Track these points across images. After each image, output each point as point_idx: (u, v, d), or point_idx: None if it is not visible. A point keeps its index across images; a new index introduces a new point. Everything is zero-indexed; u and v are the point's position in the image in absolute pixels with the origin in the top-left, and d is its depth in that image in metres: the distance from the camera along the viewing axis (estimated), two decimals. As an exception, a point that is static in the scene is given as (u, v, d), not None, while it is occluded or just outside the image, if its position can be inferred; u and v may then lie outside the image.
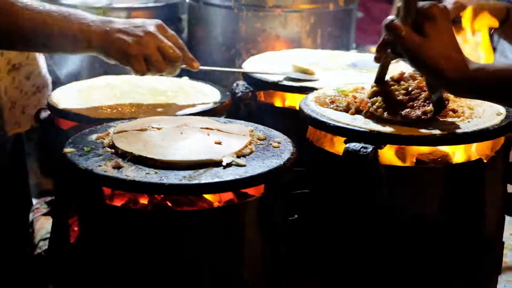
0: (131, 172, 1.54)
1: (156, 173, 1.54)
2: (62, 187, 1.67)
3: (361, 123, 1.71)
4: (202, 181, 1.50)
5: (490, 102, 1.72)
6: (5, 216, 2.51)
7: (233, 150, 1.64)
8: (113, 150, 1.66)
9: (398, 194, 1.66)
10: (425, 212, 1.70)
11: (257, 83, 2.23)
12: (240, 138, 1.72)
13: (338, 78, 2.18)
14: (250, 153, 1.66)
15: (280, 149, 1.69)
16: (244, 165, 1.59)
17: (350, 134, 1.68)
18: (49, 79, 2.54)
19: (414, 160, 1.77)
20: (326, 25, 2.73)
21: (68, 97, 2.12)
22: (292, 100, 2.25)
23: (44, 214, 2.51)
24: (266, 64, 2.34)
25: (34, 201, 2.68)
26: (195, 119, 1.84)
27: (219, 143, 1.67)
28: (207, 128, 1.76)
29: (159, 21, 2.04)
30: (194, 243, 1.55)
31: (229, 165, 1.58)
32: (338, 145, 1.82)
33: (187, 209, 1.63)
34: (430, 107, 1.71)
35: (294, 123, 1.91)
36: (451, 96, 1.77)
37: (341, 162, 1.67)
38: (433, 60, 1.56)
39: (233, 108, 2.19)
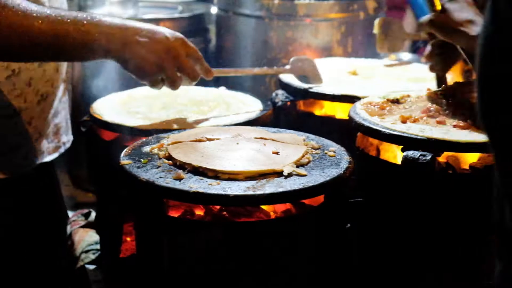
0: (193, 183, 1.53)
1: (218, 184, 1.53)
2: (119, 198, 1.65)
3: (417, 130, 1.70)
4: (267, 191, 1.49)
5: None
6: (43, 232, 2.49)
7: (291, 159, 1.63)
8: (170, 162, 1.65)
9: (456, 201, 1.65)
10: (481, 219, 1.69)
11: (296, 92, 2.22)
12: (296, 147, 1.71)
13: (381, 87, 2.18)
14: (308, 162, 1.65)
15: (336, 158, 1.68)
16: (305, 175, 1.58)
17: (407, 142, 1.67)
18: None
19: (467, 167, 1.76)
20: (356, 33, 2.73)
21: (111, 109, 2.11)
22: (331, 109, 2.25)
23: (83, 227, 2.49)
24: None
25: (70, 213, 2.66)
26: (248, 129, 1.84)
27: (277, 153, 1.66)
28: (261, 138, 1.75)
29: (180, 37, 1.96)
30: (261, 253, 1.54)
31: (290, 175, 1.57)
32: (384, 153, 1.82)
33: (249, 219, 1.62)
34: None
35: (336, 132, 1.91)
36: None
37: (400, 170, 1.65)
38: (455, 26, 1.74)
39: (274, 117, 2.19)
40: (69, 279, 2.35)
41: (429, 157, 1.62)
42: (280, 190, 1.50)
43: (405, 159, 1.64)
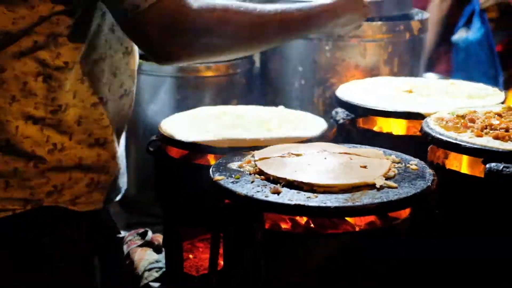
0: (291, 196, 1.59)
1: (316, 197, 1.59)
2: (215, 214, 1.71)
3: (497, 144, 1.76)
4: (366, 202, 1.55)
5: None
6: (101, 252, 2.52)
7: (380, 172, 1.69)
8: (263, 177, 1.70)
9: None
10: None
11: (356, 109, 2.29)
12: (381, 161, 1.77)
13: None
14: (395, 175, 1.71)
15: (420, 171, 1.75)
16: (396, 187, 1.64)
17: (489, 155, 1.73)
18: None
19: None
20: (402, 53, 2.80)
21: (180, 128, 2.17)
22: (388, 126, 2.32)
23: (140, 246, 2.54)
24: (359, 91, 2.40)
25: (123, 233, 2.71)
26: (328, 145, 1.90)
27: (365, 167, 1.73)
28: (345, 153, 1.81)
29: None
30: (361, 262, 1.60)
31: (381, 187, 1.63)
32: (451, 167, 1.89)
33: (336, 231, 1.68)
34: None
35: (395, 147, 1.97)
36: None
37: (482, 183, 1.72)
38: None
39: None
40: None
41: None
42: (379, 200, 1.56)
43: (489, 171, 1.70)
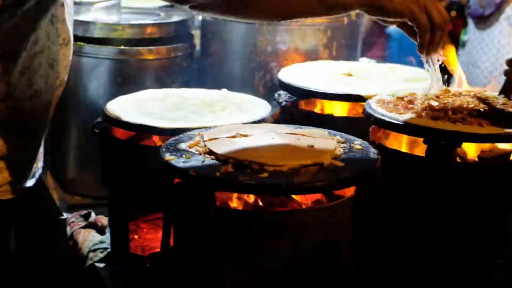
0: (243, 175, 1.62)
1: (266, 175, 1.63)
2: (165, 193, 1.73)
3: (438, 124, 1.83)
4: (315, 180, 1.60)
5: None
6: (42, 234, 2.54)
7: (327, 152, 1.74)
8: (213, 157, 1.73)
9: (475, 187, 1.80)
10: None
11: (298, 92, 2.34)
12: (327, 141, 1.82)
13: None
14: (341, 155, 1.77)
15: (364, 151, 1.80)
16: (343, 165, 1.69)
17: (430, 134, 1.80)
18: None
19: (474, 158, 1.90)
20: (340, 37, 2.87)
21: (125, 110, 2.18)
22: (330, 108, 2.37)
23: (84, 227, 2.55)
24: (301, 75, 2.45)
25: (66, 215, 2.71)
26: (274, 126, 1.94)
27: (312, 147, 1.77)
28: (292, 133, 1.86)
29: None
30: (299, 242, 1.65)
31: (329, 166, 1.69)
32: (395, 145, 1.95)
33: (285, 209, 1.73)
34: None
35: (336, 129, 2.02)
36: None
37: (424, 161, 1.79)
38: None
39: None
40: (79, 277, 2.40)
41: (452, 148, 1.76)
42: (330, 178, 1.61)
43: (430, 150, 1.77)
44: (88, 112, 2.83)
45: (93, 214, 2.59)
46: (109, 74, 2.85)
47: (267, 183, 1.60)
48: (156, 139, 2.17)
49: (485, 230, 1.86)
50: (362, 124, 2.20)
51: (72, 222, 2.61)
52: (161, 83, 2.81)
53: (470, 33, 4.51)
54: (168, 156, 1.74)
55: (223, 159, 1.71)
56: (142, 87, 2.64)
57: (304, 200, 1.78)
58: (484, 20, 4.33)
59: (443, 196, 1.80)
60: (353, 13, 2.85)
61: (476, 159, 1.87)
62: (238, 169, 1.66)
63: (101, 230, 2.53)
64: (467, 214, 1.83)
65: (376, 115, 1.93)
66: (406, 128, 1.84)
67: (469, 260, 1.87)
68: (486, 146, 1.89)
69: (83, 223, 2.57)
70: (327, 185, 1.61)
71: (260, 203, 1.77)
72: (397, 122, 1.87)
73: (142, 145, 2.12)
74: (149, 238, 2.34)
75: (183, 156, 1.74)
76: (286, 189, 1.60)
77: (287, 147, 1.77)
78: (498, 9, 4.26)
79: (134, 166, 2.11)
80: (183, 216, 1.72)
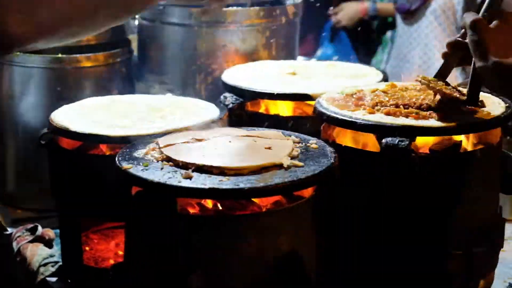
0: (204, 181, 1.61)
1: (228, 179, 1.62)
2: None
3: (390, 119, 1.85)
4: (278, 181, 1.60)
5: None
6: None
7: (285, 153, 1.74)
8: (171, 163, 1.71)
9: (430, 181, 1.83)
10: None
11: (244, 94, 2.33)
12: (283, 142, 1.82)
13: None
14: (298, 155, 1.77)
15: (320, 150, 1.81)
16: (302, 165, 1.69)
17: (383, 130, 1.82)
18: None
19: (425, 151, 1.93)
20: (279, 37, 2.87)
21: (72, 119, 2.14)
22: (275, 108, 2.38)
23: (31, 241, 2.48)
24: (245, 76, 2.45)
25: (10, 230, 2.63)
26: (228, 129, 1.93)
27: (269, 148, 1.77)
28: (247, 136, 1.85)
29: None
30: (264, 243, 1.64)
31: (289, 166, 1.68)
32: (347, 142, 1.97)
33: (245, 212, 1.72)
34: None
35: (284, 128, 2.03)
36: None
37: (379, 156, 1.80)
38: None
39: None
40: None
41: (407, 142, 1.78)
42: (289, 179, 1.61)
43: (385, 145, 1.79)
44: (27, 123, 2.76)
45: (39, 227, 2.53)
46: (46, 83, 2.78)
47: (228, 187, 1.58)
48: (104, 148, 2.13)
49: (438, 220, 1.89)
50: (309, 122, 2.22)
51: (18, 236, 2.53)
52: (101, 91, 2.75)
53: (399, 27, 4.58)
54: (125, 165, 1.71)
55: (182, 165, 1.69)
56: (82, 95, 2.60)
57: (262, 202, 1.77)
58: (411, 15, 4.40)
59: (400, 191, 1.82)
60: (290, 11, 2.88)
61: (428, 152, 1.89)
62: (199, 174, 1.64)
63: (49, 243, 2.47)
64: (423, 206, 1.86)
65: (329, 113, 1.93)
66: (359, 125, 1.85)
67: (425, 251, 1.89)
68: (437, 139, 1.92)
69: (30, 237, 2.50)
70: (289, 185, 1.61)
71: (220, 207, 1.76)
72: (350, 119, 1.88)
73: (93, 155, 2.08)
74: (101, 249, 2.29)
75: (141, 164, 1.72)
76: (253, 192, 1.59)
77: (245, 149, 1.76)
78: (424, 3, 4.34)
79: (85, 176, 2.06)
80: (145, 225, 1.69)
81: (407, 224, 1.87)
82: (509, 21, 1.67)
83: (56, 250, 2.41)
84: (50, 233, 2.50)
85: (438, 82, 1.94)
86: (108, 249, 2.26)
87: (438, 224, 1.88)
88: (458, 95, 1.88)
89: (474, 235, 1.91)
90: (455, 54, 1.86)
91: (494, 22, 1.67)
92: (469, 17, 1.66)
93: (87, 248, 2.30)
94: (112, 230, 2.32)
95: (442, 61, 1.93)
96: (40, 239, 2.49)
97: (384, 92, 2.06)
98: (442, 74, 1.93)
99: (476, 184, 1.89)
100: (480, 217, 1.93)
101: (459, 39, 1.83)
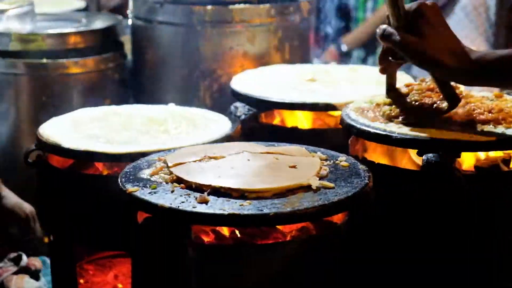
0: (222, 205, 1.57)
1: (250, 203, 1.58)
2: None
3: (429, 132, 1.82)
4: (307, 206, 1.56)
5: (493, 86, 1.94)
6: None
7: (312, 172, 1.71)
8: (183, 185, 1.68)
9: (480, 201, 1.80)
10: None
11: (258, 103, 2.30)
12: (309, 159, 1.79)
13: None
14: (327, 174, 1.73)
15: (351, 168, 1.78)
16: (332, 187, 1.66)
17: (424, 145, 1.79)
18: None
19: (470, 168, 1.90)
20: (293, 38, 2.84)
21: (63, 135, 2.10)
22: (292, 120, 2.35)
23: (15, 273, 2.45)
24: (257, 83, 2.42)
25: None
26: (245, 144, 1.90)
27: (294, 167, 1.74)
28: (268, 153, 1.82)
29: None
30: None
31: (318, 188, 1.65)
32: (376, 158, 1.94)
33: (267, 242, 1.69)
34: (444, 104, 1.87)
35: (304, 142, 2.00)
36: None
37: (419, 175, 1.77)
38: (434, 56, 1.77)
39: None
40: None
41: (451, 159, 1.75)
42: (318, 203, 1.58)
43: (426, 163, 1.76)
44: (8, 138, 2.72)
45: (24, 257, 2.49)
46: (29, 92, 2.75)
47: (251, 213, 1.54)
48: (100, 166, 2.10)
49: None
50: (331, 136, 2.19)
51: (0, 268, 2.50)
52: (92, 101, 2.72)
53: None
54: (130, 187, 1.67)
55: (195, 187, 1.66)
56: (70, 106, 2.57)
57: (286, 229, 1.74)
58: (439, 11, 4.35)
59: (445, 214, 1.79)
60: (304, 8, 2.85)
61: (473, 170, 1.87)
62: (215, 197, 1.61)
63: (35, 275, 2.44)
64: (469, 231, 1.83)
65: (359, 126, 1.90)
66: (397, 139, 1.82)
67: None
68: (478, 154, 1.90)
69: (14, 268, 2.47)
70: (322, 210, 1.57)
71: (238, 235, 1.72)
72: (385, 133, 1.84)
73: (89, 175, 2.05)
74: (97, 281, 2.26)
75: (148, 186, 1.68)
76: (280, 218, 1.55)
77: (267, 169, 1.73)
78: (452, -2, 4.30)
79: (79, 198, 2.03)
80: (155, 256, 1.65)
81: (450, 254, 1.84)
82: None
83: (43, 282, 2.39)
84: (37, 262, 2.47)
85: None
86: (106, 282, 2.23)
87: (486, 253, 1.85)
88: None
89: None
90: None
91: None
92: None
93: (81, 281, 2.27)
94: (110, 260, 2.29)
95: None
96: (25, 270, 2.46)
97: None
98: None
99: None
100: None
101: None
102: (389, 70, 1.99)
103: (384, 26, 1.85)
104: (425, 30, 1.79)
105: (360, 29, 4.96)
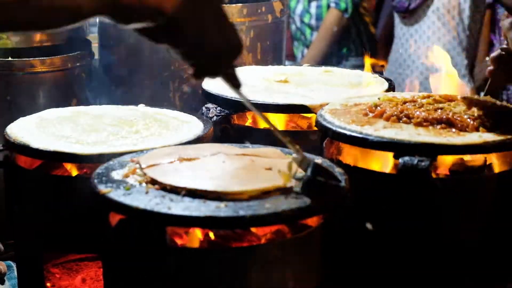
0: (198, 207, 1.60)
1: (226, 206, 1.60)
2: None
3: (407, 135, 1.86)
4: (285, 208, 1.59)
5: None
6: None
7: (289, 174, 1.73)
8: (157, 186, 1.69)
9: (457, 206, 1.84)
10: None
11: (230, 105, 2.32)
12: (285, 162, 1.81)
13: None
14: (303, 176, 1.76)
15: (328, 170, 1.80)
16: (309, 189, 1.69)
17: (400, 148, 1.82)
18: None
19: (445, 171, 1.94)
20: (265, 38, 2.87)
21: (32, 134, 2.11)
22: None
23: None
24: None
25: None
26: (220, 146, 1.92)
27: (270, 169, 1.76)
28: (243, 154, 1.84)
29: None
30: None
31: (294, 190, 1.68)
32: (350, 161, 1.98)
33: (241, 244, 1.71)
34: None
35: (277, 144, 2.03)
36: None
37: (396, 178, 1.81)
38: None
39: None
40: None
41: (427, 163, 1.79)
42: (295, 205, 1.61)
43: (403, 166, 1.79)
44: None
45: (-15, 260, 2.50)
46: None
47: (228, 215, 1.57)
48: (69, 167, 2.11)
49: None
50: (304, 137, 2.22)
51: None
52: (58, 100, 2.73)
53: (397, 28, 4.58)
54: (103, 188, 1.69)
55: (170, 189, 1.68)
56: (37, 106, 2.58)
57: (259, 232, 1.76)
58: (410, 14, 4.41)
59: (420, 217, 1.83)
60: (277, 8, 2.88)
61: (448, 173, 1.91)
62: (191, 199, 1.63)
63: (0, 279, 2.43)
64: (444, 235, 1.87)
65: (334, 128, 1.93)
66: (373, 142, 1.85)
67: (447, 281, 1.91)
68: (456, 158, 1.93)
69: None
70: (299, 213, 1.60)
71: (211, 238, 1.75)
72: (361, 135, 1.88)
73: (57, 176, 2.06)
74: (64, 285, 2.26)
75: (121, 187, 1.70)
76: (256, 220, 1.58)
77: (243, 171, 1.75)
78: (426, 1, 4.35)
79: (50, 200, 2.04)
80: (128, 258, 1.67)
81: (425, 258, 1.88)
82: None
83: (8, 286, 2.38)
84: (1, 266, 2.47)
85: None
86: (73, 285, 2.24)
87: (465, 257, 1.89)
88: None
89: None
90: (503, 70, 1.90)
91: None
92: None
93: (48, 284, 2.27)
94: (77, 263, 2.29)
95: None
96: (-11, 275, 2.46)
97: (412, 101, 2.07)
98: (491, 95, 1.97)
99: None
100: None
101: (503, 52, 1.86)
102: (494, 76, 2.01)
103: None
104: None
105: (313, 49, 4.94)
